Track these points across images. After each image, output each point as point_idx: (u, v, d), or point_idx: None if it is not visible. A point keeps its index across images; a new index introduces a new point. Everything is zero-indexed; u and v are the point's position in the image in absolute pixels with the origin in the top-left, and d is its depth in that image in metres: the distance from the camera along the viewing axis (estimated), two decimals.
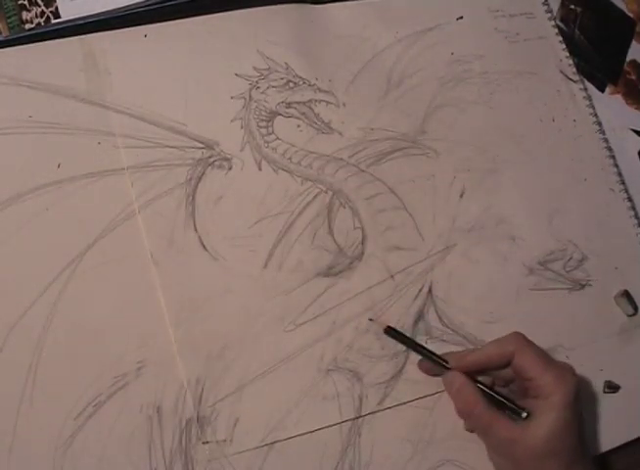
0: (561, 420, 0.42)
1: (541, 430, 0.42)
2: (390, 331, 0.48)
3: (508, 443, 0.43)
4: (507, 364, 0.45)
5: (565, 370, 0.45)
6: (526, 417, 0.43)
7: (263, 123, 0.50)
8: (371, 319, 0.48)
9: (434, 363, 0.47)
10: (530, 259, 0.53)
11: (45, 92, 0.47)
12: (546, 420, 0.42)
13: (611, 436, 0.51)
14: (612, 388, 0.52)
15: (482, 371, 0.46)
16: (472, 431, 0.47)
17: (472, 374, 0.46)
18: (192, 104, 0.49)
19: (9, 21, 0.50)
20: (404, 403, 0.47)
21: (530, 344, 0.45)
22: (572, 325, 0.53)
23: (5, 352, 0.42)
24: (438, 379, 0.48)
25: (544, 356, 0.45)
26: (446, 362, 0.46)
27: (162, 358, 0.44)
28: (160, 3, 0.50)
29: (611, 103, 0.62)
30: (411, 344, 0.48)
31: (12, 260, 0.44)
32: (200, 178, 0.48)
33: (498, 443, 0.44)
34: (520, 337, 0.46)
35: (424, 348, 0.48)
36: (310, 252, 0.49)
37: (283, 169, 0.50)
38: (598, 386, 0.52)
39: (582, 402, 0.44)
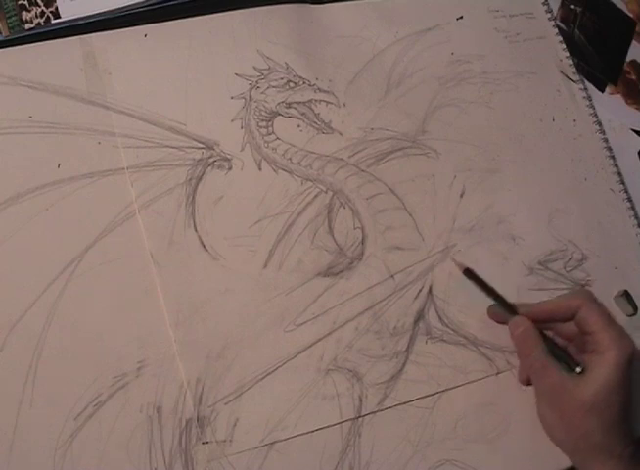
0: (610, 379, 0.43)
1: (591, 385, 0.43)
2: (468, 273, 0.50)
3: (557, 390, 0.45)
4: (572, 317, 0.47)
5: (624, 333, 0.46)
6: (581, 372, 0.44)
7: (263, 123, 0.50)
8: (453, 259, 0.51)
9: (505, 309, 0.49)
10: (530, 259, 0.53)
11: (45, 92, 0.47)
12: (597, 377, 0.44)
13: None
14: None
15: (549, 321, 0.48)
16: (526, 384, 0.48)
17: (538, 322, 0.47)
18: (192, 104, 0.49)
19: (9, 21, 0.50)
20: (404, 403, 0.47)
21: (596, 301, 0.47)
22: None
23: (5, 352, 0.42)
24: (439, 378, 0.48)
25: (608, 315, 0.46)
26: (515, 308, 0.48)
27: (162, 358, 0.44)
28: (160, 3, 0.51)
29: (611, 103, 0.63)
30: (487, 288, 0.49)
31: (12, 260, 0.44)
32: (200, 178, 0.48)
33: (548, 389, 0.46)
34: (588, 293, 0.48)
35: (496, 292, 0.49)
36: (310, 252, 0.49)
37: (283, 169, 0.50)
38: None
39: (635, 367, 0.45)
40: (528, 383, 0.49)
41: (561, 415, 0.45)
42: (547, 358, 0.45)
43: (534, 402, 0.48)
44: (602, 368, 0.44)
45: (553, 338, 0.48)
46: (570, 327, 0.48)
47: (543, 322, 0.48)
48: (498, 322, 0.50)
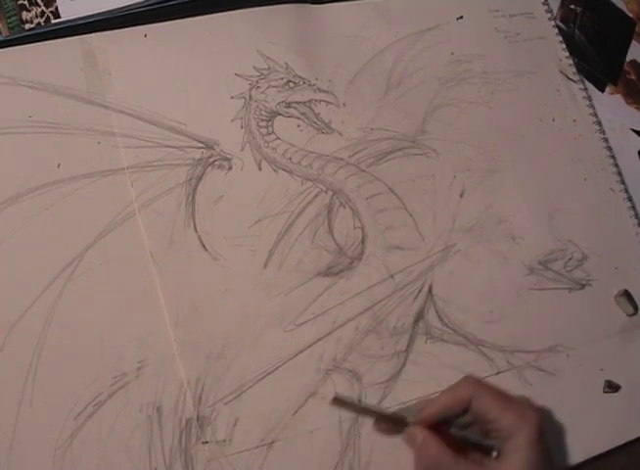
0: (527, 460, 0.42)
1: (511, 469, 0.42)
2: (337, 401, 0.45)
3: None
4: (465, 410, 0.44)
5: (525, 407, 0.44)
6: (497, 456, 0.43)
7: (263, 123, 0.50)
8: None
9: (392, 422, 0.45)
10: (531, 259, 0.53)
11: (45, 92, 0.47)
12: (514, 460, 0.42)
13: (611, 436, 0.51)
14: (612, 387, 0.52)
15: (443, 420, 0.45)
16: None
17: (432, 425, 0.44)
18: (192, 104, 0.49)
19: (9, 21, 0.50)
20: (404, 403, 0.47)
21: (485, 386, 0.45)
22: (572, 325, 0.53)
23: (5, 352, 0.42)
24: (438, 379, 0.48)
25: (501, 396, 0.44)
26: (405, 419, 0.45)
27: (162, 358, 0.44)
28: (160, 3, 0.50)
29: (611, 103, 0.63)
30: (362, 409, 0.46)
31: (12, 260, 0.44)
32: (200, 178, 0.48)
33: None
34: (472, 381, 0.45)
35: (377, 410, 0.46)
36: (310, 251, 0.49)
37: (283, 169, 0.50)
38: (598, 386, 0.52)
39: (548, 437, 0.44)
40: None
41: None
42: (459, 460, 0.42)
43: (535, 402, 0.48)
44: (516, 452, 0.42)
45: (453, 433, 0.45)
46: (466, 416, 0.45)
47: (437, 423, 0.45)
48: (389, 434, 0.46)
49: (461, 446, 0.44)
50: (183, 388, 0.44)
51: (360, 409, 0.46)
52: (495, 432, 0.43)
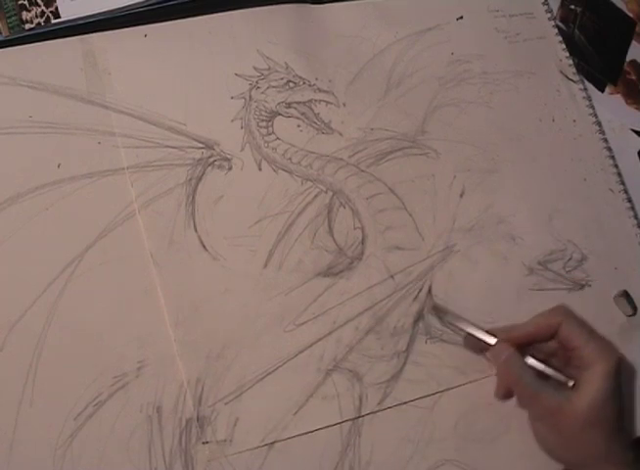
0: (602, 390, 0.44)
1: (584, 399, 0.44)
2: (437, 309, 0.49)
3: (552, 411, 0.44)
4: (552, 336, 0.47)
5: (607, 343, 0.46)
6: (572, 386, 0.45)
7: (263, 123, 0.50)
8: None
9: (483, 338, 0.47)
10: (530, 259, 0.53)
11: (45, 92, 0.47)
12: (589, 390, 0.44)
13: None
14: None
15: (530, 343, 0.47)
16: (504, 399, 0.48)
17: (519, 346, 0.47)
18: (192, 104, 0.49)
19: (9, 21, 0.50)
20: (404, 403, 0.47)
21: (575, 315, 0.47)
22: None
23: (5, 352, 0.42)
24: (439, 378, 0.48)
25: (588, 328, 0.47)
26: (495, 336, 0.47)
27: (162, 358, 0.44)
28: (160, 3, 0.50)
29: (611, 103, 0.63)
30: (458, 318, 0.49)
31: (12, 260, 0.44)
32: (200, 178, 0.48)
33: (543, 412, 0.45)
34: (566, 309, 0.48)
35: (471, 323, 0.48)
36: (310, 252, 0.49)
37: (283, 169, 0.50)
38: None
39: (622, 375, 0.46)
40: (506, 397, 0.48)
41: (560, 434, 0.45)
42: (536, 383, 0.45)
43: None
44: (592, 382, 0.44)
45: (538, 358, 0.47)
46: (551, 344, 0.48)
47: (524, 345, 0.47)
48: (476, 352, 0.49)
49: (540, 374, 0.46)
50: (183, 388, 0.44)
51: (456, 319, 0.48)
52: (577, 360, 0.46)
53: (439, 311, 0.49)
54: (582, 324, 0.47)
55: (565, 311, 0.48)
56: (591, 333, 0.46)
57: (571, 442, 0.44)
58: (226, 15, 0.52)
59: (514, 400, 0.48)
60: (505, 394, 0.48)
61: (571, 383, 0.45)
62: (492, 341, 0.47)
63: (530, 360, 0.47)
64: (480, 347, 0.48)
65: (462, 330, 0.48)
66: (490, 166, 0.55)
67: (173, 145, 0.48)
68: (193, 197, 0.48)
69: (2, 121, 0.46)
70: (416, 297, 0.50)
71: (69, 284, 0.44)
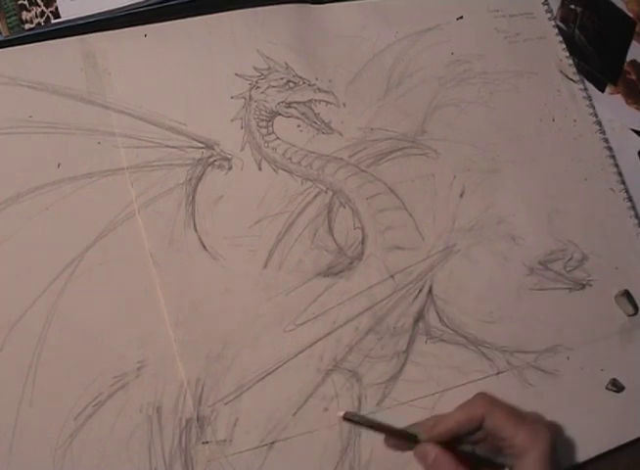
0: None
1: None
2: (348, 416, 0.44)
3: None
4: (478, 428, 0.44)
5: (538, 425, 0.44)
6: None
7: (263, 123, 0.50)
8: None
9: (403, 439, 0.45)
10: (531, 259, 0.53)
11: (45, 92, 0.47)
12: None
13: (611, 436, 0.51)
14: (616, 386, 0.52)
15: (455, 438, 0.45)
16: None
17: (444, 443, 0.44)
18: (192, 104, 0.49)
19: (9, 21, 0.50)
20: (403, 404, 0.47)
21: (498, 403, 0.45)
22: (573, 325, 0.53)
23: (5, 352, 0.42)
24: (438, 378, 0.48)
25: (514, 414, 0.44)
26: (416, 436, 0.44)
27: (162, 358, 0.44)
28: (160, 3, 0.50)
29: (611, 103, 0.63)
30: (375, 425, 0.45)
31: (12, 260, 0.44)
32: (200, 178, 0.48)
33: None
34: (486, 398, 0.45)
35: (388, 426, 0.45)
36: (310, 252, 0.49)
37: (283, 169, 0.50)
38: (598, 386, 0.52)
39: (557, 454, 0.44)
40: None
41: None
42: None
43: (535, 402, 0.48)
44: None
45: (464, 451, 0.45)
46: (479, 433, 0.45)
47: (449, 440, 0.44)
48: (400, 450, 0.46)
49: (472, 465, 0.44)
50: (183, 388, 0.44)
51: (371, 425, 0.45)
52: (508, 449, 0.43)
53: (351, 420, 0.44)
54: (507, 413, 0.44)
55: (486, 402, 0.45)
56: (518, 420, 0.43)
57: None
58: (226, 15, 0.52)
59: (513, 401, 0.48)
60: None
61: None
62: (415, 440, 0.44)
63: (465, 450, 0.45)
64: (404, 446, 0.45)
65: (380, 431, 0.45)
66: (490, 166, 0.55)
67: (173, 145, 0.48)
68: (193, 197, 0.47)
69: (2, 121, 0.45)
70: (416, 297, 0.50)
71: (69, 284, 0.44)
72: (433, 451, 0.43)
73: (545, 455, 0.42)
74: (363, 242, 0.50)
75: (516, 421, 0.43)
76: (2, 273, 0.43)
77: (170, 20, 0.51)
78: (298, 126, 0.51)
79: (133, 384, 0.43)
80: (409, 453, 0.45)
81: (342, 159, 0.51)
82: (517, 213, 0.54)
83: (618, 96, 0.63)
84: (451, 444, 0.44)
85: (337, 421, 0.46)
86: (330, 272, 0.49)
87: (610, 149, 0.59)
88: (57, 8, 0.50)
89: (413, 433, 0.45)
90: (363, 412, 0.46)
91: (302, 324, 0.47)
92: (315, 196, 0.50)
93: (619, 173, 0.59)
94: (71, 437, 0.42)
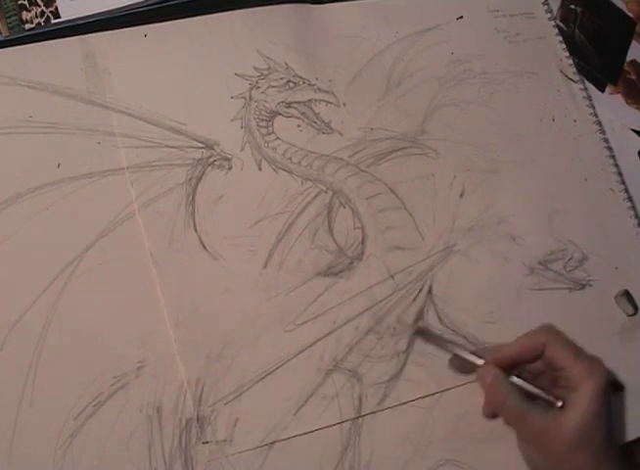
0: (591, 411, 0.43)
1: (573, 421, 0.43)
2: (421, 331, 0.48)
3: (540, 433, 0.44)
4: (539, 356, 0.46)
5: (594, 361, 0.45)
6: (561, 407, 0.44)
7: (263, 123, 0.50)
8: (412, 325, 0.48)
9: (469, 359, 0.47)
10: (531, 259, 0.53)
11: (45, 92, 0.47)
12: (577, 411, 0.43)
13: None
14: (615, 386, 0.52)
15: (516, 364, 0.47)
16: (492, 418, 0.47)
17: (505, 367, 0.46)
18: (192, 104, 0.49)
19: (9, 21, 0.50)
20: (404, 403, 0.47)
21: (561, 335, 0.46)
22: (573, 325, 0.53)
23: (5, 352, 0.42)
24: (439, 378, 0.48)
25: (575, 348, 0.46)
26: (481, 357, 0.46)
27: (162, 358, 0.44)
28: (160, 3, 0.50)
29: (611, 103, 0.63)
30: (445, 342, 0.48)
31: (12, 260, 0.44)
32: (200, 178, 0.48)
33: (530, 433, 0.45)
34: (551, 328, 0.47)
35: (456, 346, 0.48)
36: (310, 251, 0.49)
37: (283, 169, 0.50)
38: None
39: (610, 393, 0.45)
40: (494, 416, 0.47)
41: (547, 456, 0.44)
42: (523, 404, 0.45)
43: None
44: (580, 403, 0.43)
45: (524, 378, 0.47)
46: (538, 364, 0.47)
47: (510, 366, 0.47)
48: (462, 372, 0.48)
49: (527, 394, 0.45)
50: (183, 388, 0.44)
51: (441, 341, 0.47)
52: (564, 380, 0.45)
53: (424, 334, 0.48)
54: (568, 344, 0.46)
55: (549, 332, 0.47)
56: (577, 353, 0.45)
57: (559, 463, 0.44)
58: (226, 15, 0.52)
59: None
60: (493, 413, 0.47)
61: (559, 404, 0.44)
62: (479, 362, 0.47)
63: (517, 381, 0.46)
64: (466, 368, 0.47)
65: (448, 351, 0.48)
66: (490, 166, 0.55)
67: (173, 145, 0.48)
68: (193, 197, 0.47)
69: (2, 121, 0.46)
70: (416, 297, 0.50)
71: (69, 284, 0.44)
72: (492, 372, 0.46)
73: (600, 389, 0.44)
74: (363, 242, 0.50)
75: (575, 353, 0.45)
76: (2, 273, 0.43)
77: (170, 20, 0.51)
78: (298, 126, 0.51)
79: (133, 384, 0.43)
80: (409, 453, 0.46)
81: (342, 159, 0.51)
82: (517, 213, 0.54)
83: (618, 96, 0.63)
84: (511, 372, 0.46)
85: (349, 426, 0.46)
86: (330, 272, 0.49)
87: (610, 149, 0.59)
88: (57, 8, 0.50)
89: (477, 355, 0.47)
90: (364, 412, 0.46)
91: (302, 324, 0.47)
92: (315, 196, 0.50)
93: (619, 173, 0.59)
94: (71, 437, 0.42)
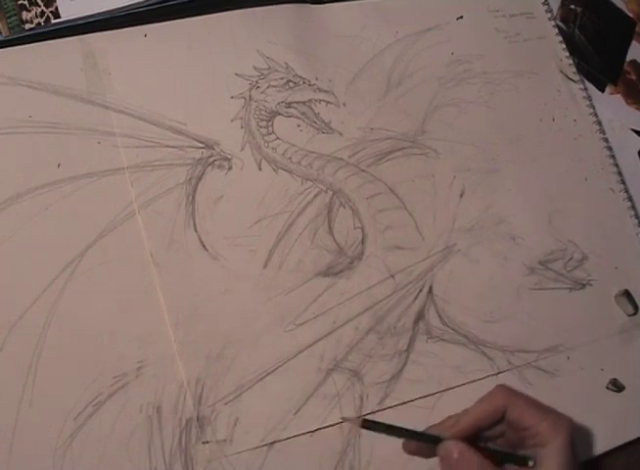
0: (564, 463, 0.42)
1: None
2: (367, 423, 0.44)
3: None
4: (499, 421, 0.44)
5: (559, 414, 0.44)
6: (533, 466, 0.43)
7: (263, 123, 0.50)
8: (343, 418, 0.45)
9: (424, 440, 0.44)
10: (531, 259, 0.53)
11: (45, 92, 0.47)
12: (551, 466, 0.42)
13: (611, 435, 0.51)
14: (616, 386, 0.52)
15: (476, 433, 0.45)
16: None
17: (466, 439, 0.44)
18: (192, 104, 0.49)
19: (9, 21, 0.50)
20: (405, 403, 0.47)
21: (518, 393, 0.45)
22: (573, 325, 0.53)
23: (5, 352, 0.42)
24: (439, 378, 0.48)
25: (536, 403, 0.45)
26: (438, 437, 0.44)
27: (162, 358, 0.44)
28: (160, 3, 0.50)
29: (611, 103, 0.63)
30: (395, 429, 0.44)
31: (12, 260, 0.44)
32: (200, 178, 0.48)
33: None
34: (506, 390, 0.45)
35: (409, 430, 0.44)
36: (310, 251, 0.49)
37: (283, 169, 0.50)
38: (598, 385, 0.52)
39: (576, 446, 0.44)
40: None
41: None
42: None
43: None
44: (553, 457, 0.43)
45: (486, 448, 0.45)
46: (496, 428, 0.45)
47: (470, 436, 0.44)
48: (419, 455, 0.45)
49: (494, 460, 0.43)
50: (183, 388, 0.44)
51: (390, 430, 0.44)
52: (531, 439, 0.43)
53: (370, 426, 0.44)
54: (529, 401, 0.45)
55: (508, 393, 0.45)
56: (540, 408, 0.44)
57: None
58: (226, 15, 0.52)
59: None
60: None
61: (531, 463, 0.43)
62: (437, 440, 0.44)
63: (485, 448, 0.44)
64: (424, 450, 0.45)
65: (400, 436, 0.45)
66: (490, 166, 0.55)
67: (173, 145, 0.48)
68: (193, 197, 0.47)
69: (2, 121, 0.45)
70: (416, 296, 0.50)
71: (69, 284, 0.44)
72: (456, 448, 0.43)
73: (569, 442, 0.43)
74: (363, 242, 0.50)
75: (538, 409, 0.44)
76: (2, 273, 0.43)
77: (170, 20, 0.51)
78: (298, 126, 0.51)
79: (133, 384, 0.43)
80: (408, 456, 0.45)
81: (342, 159, 0.51)
82: (517, 213, 0.54)
83: (618, 96, 0.63)
84: (472, 441, 0.44)
85: (349, 426, 0.45)
86: (330, 272, 0.49)
87: (610, 149, 0.59)
88: (57, 8, 0.50)
89: (434, 434, 0.44)
90: (364, 412, 0.46)
91: (302, 324, 0.47)
92: (315, 196, 0.50)
93: (619, 173, 0.59)
94: (71, 437, 0.42)
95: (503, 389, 0.46)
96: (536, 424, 0.43)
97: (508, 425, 0.45)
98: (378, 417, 0.46)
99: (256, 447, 0.44)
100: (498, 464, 0.43)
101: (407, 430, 0.44)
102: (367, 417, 0.45)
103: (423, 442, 0.44)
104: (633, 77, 0.65)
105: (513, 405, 0.44)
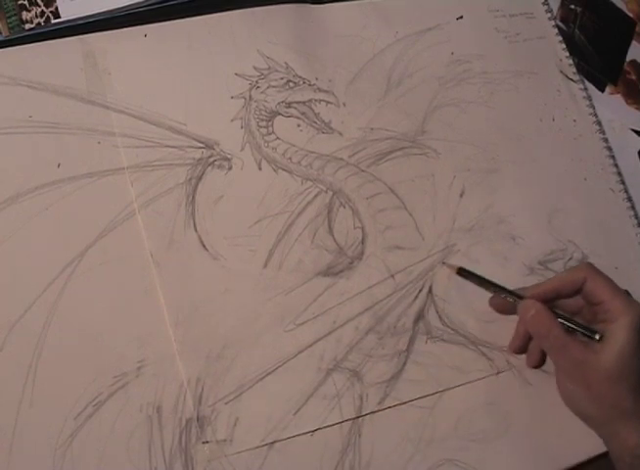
0: (629, 342, 0.44)
1: (612, 351, 0.44)
2: (463, 272, 0.50)
3: (580, 364, 0.45)
4: (577, 292, 0.48)
5: (632, 299, 0.47)
6: (600, 339, 0.45)
7: (263, 123, 0.50)
8: (444, 263, 0.51)
9: (510, 297, 0.49)
10: (531, 259, 0.53)
11: (45, 92, 0.47)
12: (616, 341, 0.44)
13: None
14: None
15: (555, 299, 0.48)
16: (533, 365, 0.49)
17: (545, 302, 0.47)
18: (192, 104, 0.49)
19: (9, 21, 0.50)
20: (404, 403, 0.47)
21: (601, 272, 0.48)
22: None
23: (5, 352, 0.42)
24: (439, 378, 0.48)
25: (613, 283, 0.47)
26: (521, 295, 0.48)
27: (162, 358, 0.44)
28: (160, 3, 0.51)
29: (611, 103, 0.63)
30: (486, 282, 0.50)
31: (12, 260, 0.44)
32: (200, 178, 0.48)
33: (571, 364, 0.46)
34: (590, 265, 0.49)
35: (497, 284, 0.50)
36: (310, 251, 0.49)
37: (283, 169, 0.50)
38: None
39: None
40: (520, 351, 0.50)
41: (587, 388, 0.45)
42: (565, 334, 0.46)
43: (535, 402, 0.48)
44: (619, 334, 0.44)
45: (564, 313, 0.48)
46: (575, 301, 0.49)
47: (550, 301, 0.48)
48: (501, 312, 0.50)
49: (566, 329, 0.47)
50: (183, 388, 0.44)
51: (480, 281, 0.50)
52: (602, 314, 0.46)
53: (465, 274, 0.50)
54: (607, 279, 0.47)
55: (589, 268, 0.48)
56: (616, 288, 0.47)
57: (599, 397, 0.45)
58: (226, 15, 0.52)
59: (513, 401, 0.49)
60: (520, 346, 0.49)
61: (597, 336, 0.46)
62: (520, 298, 0.48)
63: (558, 314, 0.47)
64: (506, 307, 0.49)
65: (488, 290, 0.50)
66: (490, 166, 0.55)
67: (173, 145, 0.48)
68: (193, 197, 0.48)
69: (2, 121, 0.46)
70: (416, 296, 0.50)
71: (69, 284, 0.44)
72: (534, 306, 0.47)
73: (636, 323, 0.45)
74: (363, 242, 0.50)
75: (614, 288, 0.47)
76: (2, 273, 0.43)
77: (170, 20, 0.51)
78: (298, 126, 0.51)
79: (133, 384, 0.43)
80: (409, 453, 0.46)
81: (342, 158, 0.51)
82: (517, 213, 0.54)
83: (618, 96, 0.63)
84: (551, 307, 0.47)
85: (349, 425, 0.46)
86: (330, 272, 0.49)
87: (610, 149, 0.59)
88: (57, 8, 0.50)
89: (518, 292, 0.49)
90: (364, 412, 0.46)
91: (302, 324, 0.47)
92: (315, 196, 0.50)
93: (619, 173, 0.59)
94: (71, 437, 0.42)
95: (587, 264, 0.49)
96: (609, 299, 0.46)
97: (584, 298, 0.48)
98: (378, 417, 0.46)
99: (256, 447, 0.44)
100: (568, 332, 0.46)
101: (495, 284, 0.50)
102: (464, 267, 0.50)
103: (508, 297, 0.49)
104: (633, 77, 0.65)
105: (592, 278, 0.47)
